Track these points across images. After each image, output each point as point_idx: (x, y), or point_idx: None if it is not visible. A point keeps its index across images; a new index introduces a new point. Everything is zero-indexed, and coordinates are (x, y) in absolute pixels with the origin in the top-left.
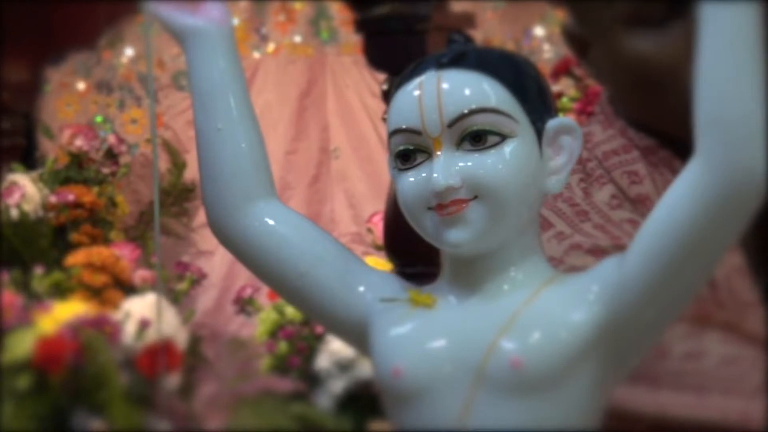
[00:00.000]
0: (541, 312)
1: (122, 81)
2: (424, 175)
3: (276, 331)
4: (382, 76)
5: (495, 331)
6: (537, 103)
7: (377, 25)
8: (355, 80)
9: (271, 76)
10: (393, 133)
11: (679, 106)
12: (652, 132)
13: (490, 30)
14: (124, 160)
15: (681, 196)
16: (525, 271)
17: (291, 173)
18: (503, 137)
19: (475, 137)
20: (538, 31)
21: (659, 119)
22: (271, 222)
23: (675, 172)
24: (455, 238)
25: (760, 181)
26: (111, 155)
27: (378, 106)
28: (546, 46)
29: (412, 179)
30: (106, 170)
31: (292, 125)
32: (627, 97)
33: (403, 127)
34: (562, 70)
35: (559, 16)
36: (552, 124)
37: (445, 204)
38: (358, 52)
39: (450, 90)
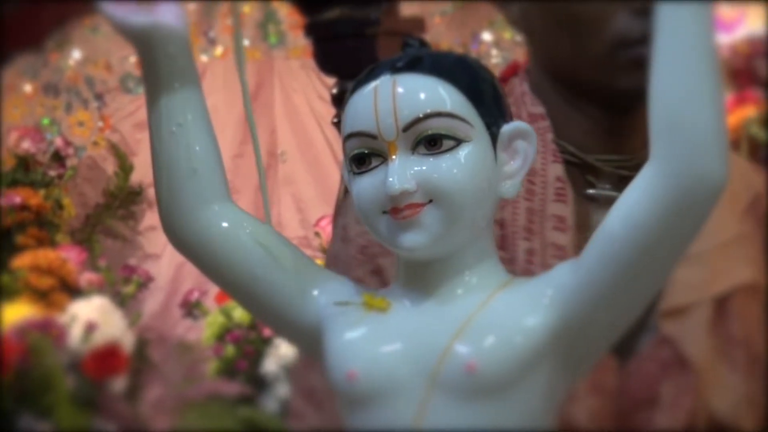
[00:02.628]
0: (495, 316)
1: (69, 83)
2: (379, 179)
3: (223, 335)
4: (330, 80)
5: (449, 335)
6: (492, 107)
7: (327, 29)
8: (302, 84)
9: (218, 80)
10: (348, 137)
11: (600, 52)
12: (566, 82)
13: (439, 35)
14: (70, 162)
15: (636, 199)
16: (480, 275)
17: (238, 177)
18: (458, 141)
19: (430, 141)
20: (486, 36)
21: (578, 66)
22: (225, 225)
23: (545, 143)
24: (410, 242)
25: (716, 186)
26: (58, 158)
27: (326, 110)
28: (494, 51)
29: (367, 183)
30: (52, 173)
31: (240, 129)
32: (550, 41)
33: (358, 131)
34: (509, 75)
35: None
36: (507, 128)
37: (400, 208)
38: (306, 56)
39: (405, 94)
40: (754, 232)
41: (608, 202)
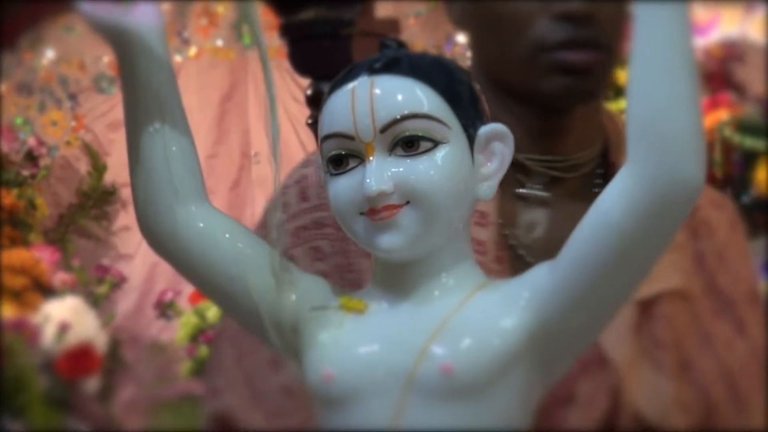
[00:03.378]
0: (472, 318)
1: (43, 83)
2: (356, 180)
3: (197, 336)
4: (304, 81)
5: (426, 337)
6: (469, 109)
7: (302, 30)
8: (277, 85)
9: (192, 80)
10: (325, 138)
11: (522, 55)
12: (497, 83)
13: (413, 36)
14: (44, 162)
15: (612, 202)
16: (456, 277)
17: (212, 177)
18: (435, 143)
19: (408, 143)
20: (460, 38)
21: (504, 68)
22: (202, 225)
23: None
24: (387, 243)
25: (693, 189)
26: (31, 157)
27: (300, 111)
28: (468, 53)
29: (344, 184)
30: (25, 172)
31: (214, 129)
32: (482, 42)
33: (336, 132)
34: None
35: None
36: (484, 130)
37: (377, 209)
38: (281, 57)
39: (382, 95)
40: (685, 241)
41: (537, 202)
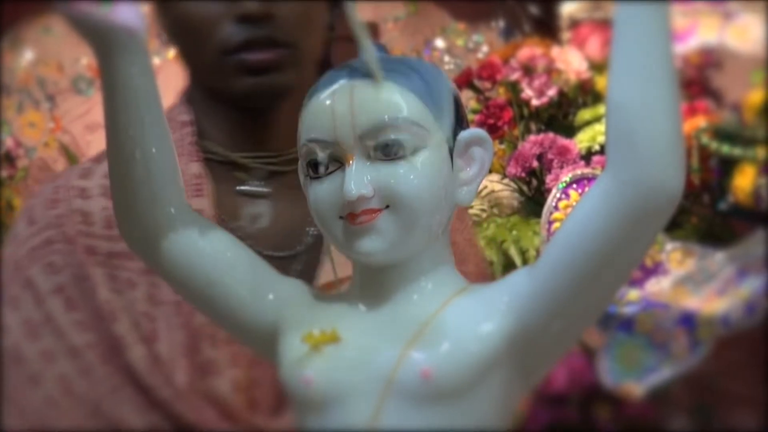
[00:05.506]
0: (451, 322)
1: (20, 84)
2: (336, 184)
3: None
4: None
5: (405, 341)
6: (449, 114)
7: None
8: None
9: (171, 82)
10: (305, 143)
11: (211, 58)
12: (201, 86)
13: (392, 41)
14: (21, 163)
15: (591, 208)
16: (435, 281)
17: None
18: (415, 148)
19: (388, 147)
20: (439, 42)
21: (199, 71)
22: (181, 228)
23: (183, 146)
24: (366, 247)
25: (672, 194)
26: (8, 159)
27: None
28: (446, 58)
29: (323, 188)
30: (3, 173)
31: None
32: (179, 47)
33: (315, 137)
34: (463, 82)
35: (461, 28)
36: (464, 135)
37: (356, 213)
38: None
39: (362, 100)
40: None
41: (258, 196)
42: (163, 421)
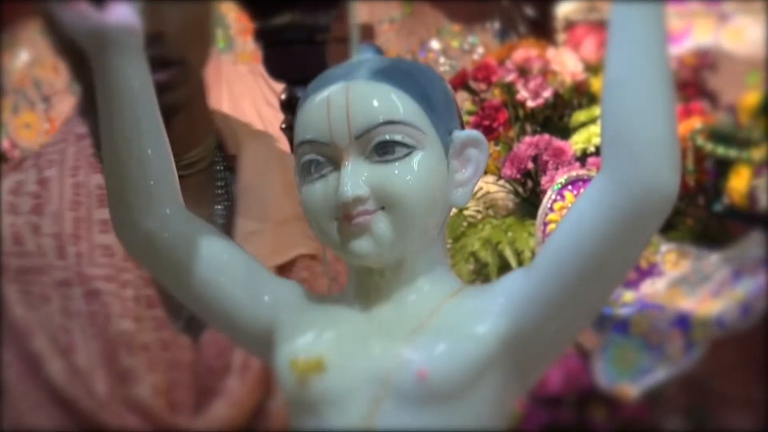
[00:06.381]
0: (447, 323)
1: (16, 85)
2: (331, 185)
3: None
4: (278, 86)
5: (401, 342)
6: (444, 115)
7: (276, 35)
8: (250, 89)
9: None
10: (300, 144)
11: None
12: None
13: (387, 42)
14: None
15: (586, 210)
16: (431, 282)
17: None
18: (411, 149)
19: (383, 148)
20: (434, 44)
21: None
22: (176, 229)
23: (86, 158)
24: (361, 248)
25: (667, 195)
26: (4, 160)
27: (273, 115)
28: (442, 59)
29: (319, 189)
30: None
31: None
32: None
33: (311, 138)
34: (458, 83)
35: (456, 29)
36: (459, 136)
37: (351, 214)
38: (255, 61)
39: (358, 101)
40: None
41: None
42: None
